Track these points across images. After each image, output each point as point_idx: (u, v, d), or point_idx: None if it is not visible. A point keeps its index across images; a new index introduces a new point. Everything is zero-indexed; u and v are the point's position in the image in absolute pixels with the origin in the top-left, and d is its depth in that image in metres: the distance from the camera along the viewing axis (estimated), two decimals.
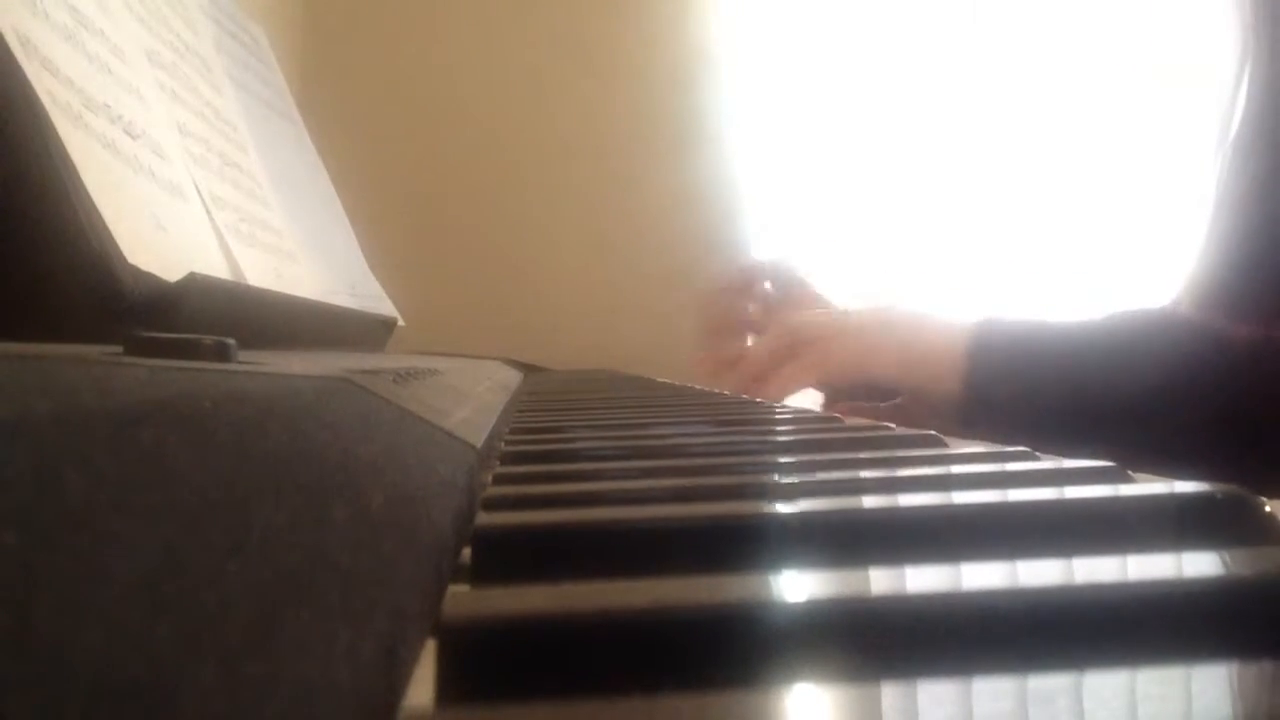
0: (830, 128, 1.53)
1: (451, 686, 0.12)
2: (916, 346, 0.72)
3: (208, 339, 0.24)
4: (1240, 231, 0.73)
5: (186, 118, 0.57)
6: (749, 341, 0.98)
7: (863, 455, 0.31)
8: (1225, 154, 0.77)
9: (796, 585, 0.14)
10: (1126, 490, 0.21)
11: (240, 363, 0.24)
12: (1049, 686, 0.11)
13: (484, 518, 0.19)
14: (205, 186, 0.55)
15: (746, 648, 0.12)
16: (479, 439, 0.30)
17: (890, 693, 0.11)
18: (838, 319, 0.78)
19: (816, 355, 0.74)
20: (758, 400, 0.63)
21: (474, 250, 1.51)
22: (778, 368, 0.75)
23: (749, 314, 0.94)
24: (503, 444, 0.35)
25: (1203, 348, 0.63)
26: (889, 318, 0.75)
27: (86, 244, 0.36)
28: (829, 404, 0.82)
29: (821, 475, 0.25)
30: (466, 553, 0.18)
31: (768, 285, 0.95)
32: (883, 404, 0.78)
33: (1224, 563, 0.14)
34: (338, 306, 0.74)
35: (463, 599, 0.14)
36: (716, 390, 0.75)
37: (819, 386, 0.81)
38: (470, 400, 0.41)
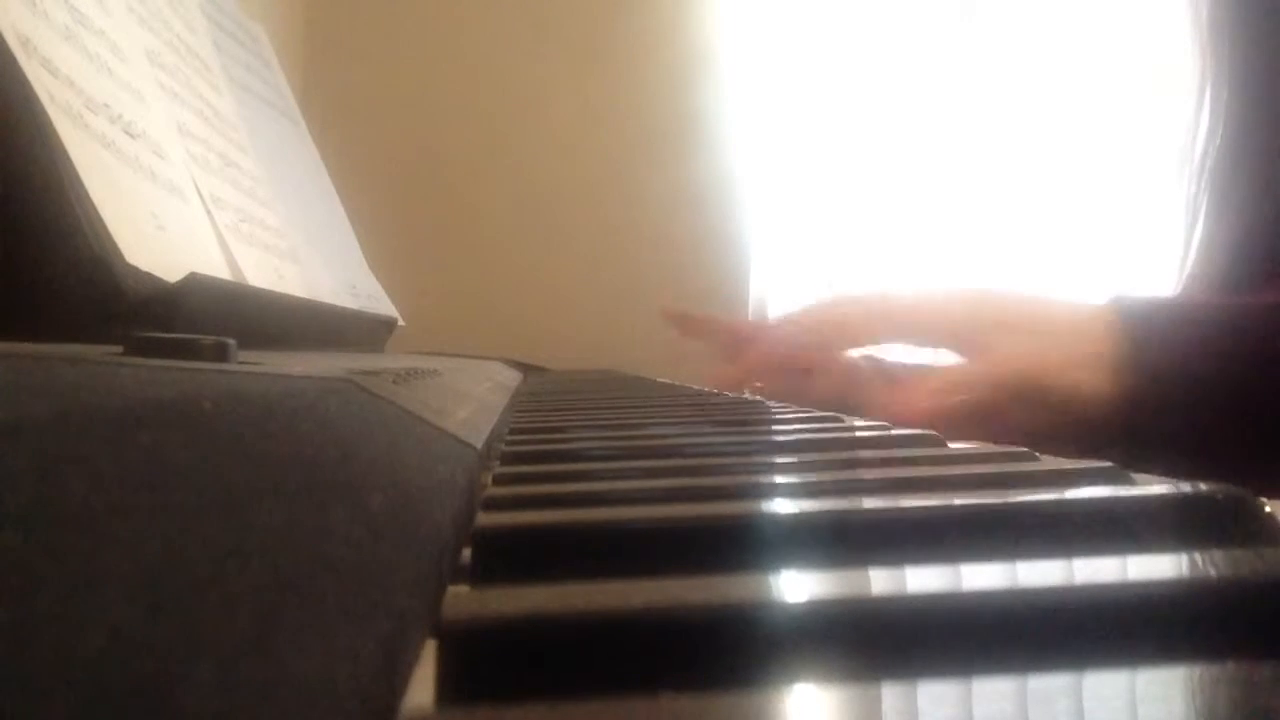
0: (830, 127, 1.53)
1: (451, 687, 0.12)
2: (1058, 337, 0.57)
3: (207, 339, 0.24)
4: (1227, 251, 0.68)
5: (186, 118, 0.57)
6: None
7: (863, 455, 0.31)
8: (1194, 173, 0.73)
9: (796, 585, 0.14)
10: (1126, 490, 0.21)
11: (240, 363, 0.24)
12: (1049, 686, 0.11)
13: (484, 518, 0.19)
14: (205, 186, 0.55)
15: (746, 648, 0.12)
16: (479, 439, 0.30)
17: (890, 693, 0.11)
18: (940, 306, 0.61)
19: (996, 358, 0.57)
20: (758, 400, 0.63)
21: (474, 250, 1.51)
22: (928, 383, 0.58)
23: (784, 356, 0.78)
24: (503, 444, 0.35)
25: None
26: (1005, 304, 0.60)
27: (86, 244, 0.36)
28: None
29: (821, 475, 0.25)
30: (466, 553, 0.18)
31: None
32: (956, 399, 0.59)
33: (1224, 563, 0.14)
34: (338, 306, 0.74)
35: (463, 599, 0.14)
36: (717, 390, 0.75)
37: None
38: (470, 400, 0.41)
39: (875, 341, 0.65)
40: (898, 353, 0.69)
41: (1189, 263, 0.74)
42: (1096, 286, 1.38)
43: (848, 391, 0.64)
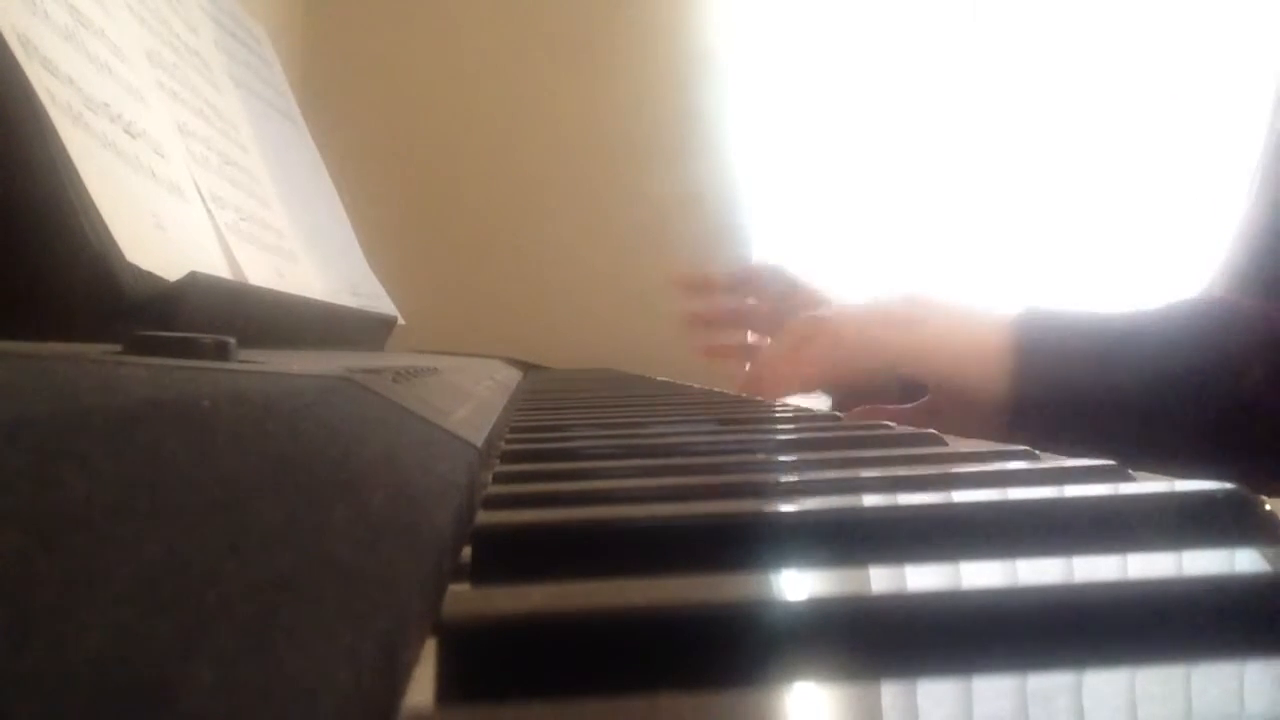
0: (831, 128, 1.53)
1: (452, 686, 0.12)
2: (955, 339, 0.64)
3: (207, 338, 0.24)
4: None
5: (186, 117, 0.57)
6: (749, 338, 0.96)
7: (862, 454, 0.31)
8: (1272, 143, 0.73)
9: (796, 584, 0.14)
10: (1126, 489, 0.21)
11: (240, 362, 0.24)
12: (1049, 686, 0.11)
13: (484, 516, 0.19)
14: (205, 186, 0.55)
15: (746, 647, 0.12)
16: (479, 438, 0.30)
17: (890, 693, 0.11)
18: (861, 308, 0.69)
19: (839, 345, 0.66)
20: (758, 399, 0.63)
21: (474, 249, 1.51)
22: (785, 354, 0.68)
23: (748, 306, 0.89)
24: (503, 442, 0.35)
25: (1271, 331, 0.57)
26: (919, 307, 0.67)
27: (86, 243, 0.36)
28: (843, 406, 0.73)
29: (821, 474, 0.25)
30: (466, 551, 0.18)
31: (766, 286, 0.90)
32: (906, 405, 0.69)
33: (1224, 562, 0.14)
34: (338, 305, 0.74)
35: (463, 598, 0.14)
36: (716, 388, 0.75)
37: (837, 383, 0.72)
38: (470, 399, 0.41)
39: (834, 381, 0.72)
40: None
41: (1245, 230, 0.74)
42: (1097, 290, 1.38)
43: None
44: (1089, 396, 0.58)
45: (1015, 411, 0.61)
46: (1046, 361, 0.60)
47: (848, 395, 0.75)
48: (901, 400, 0.70)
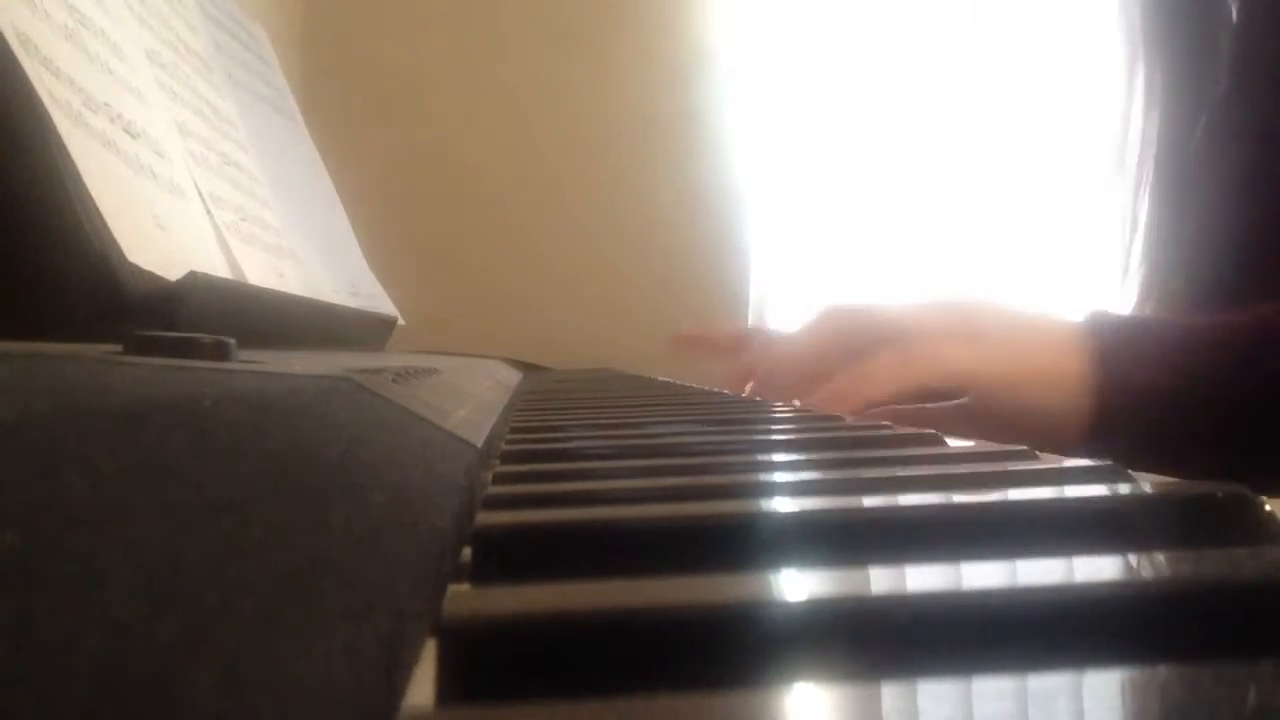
0: (831, 127, 1.53)
1: (452, 686, 0.12)
2: (1027, 353, 0.58)
3: (207, 338, 0.24)
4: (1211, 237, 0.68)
5: (186, 117, 0.57)
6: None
7: (863, 454, 0.31)
8: (1133, 174, 0.74)
9: (796, 585, 0.14)
10: (1126, 490, 0.21)
11: (240, 362, 0.24)
12: (1049, 686, 0.11)
13: (484, 517, 0.19)
14: (205, 186, 0.55)
15: (747, 647, 0.12)
16: (479, 438, 0.30)
17: (890, 693, 0.11)
18: (916, 318, 0.62)
19: (909, 362, 0.59)
20: (758, 400, 0.63)
21: (474, 250, 1.51)
22: (852, 374, 0.60)
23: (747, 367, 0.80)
24: (503, 443, 0.35)
25: None
26: (977, 315, 0.61)
27: (86, 243, 0.36)
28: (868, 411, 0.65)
29: (821, 474, 0.25)
30: (467, 552, 0.18)
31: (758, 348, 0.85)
32: (934, 405, 0.62)
33: (1224, 562, 0.14)
34: (338, 306, 0.74)
35: (463, 598, 0.14)
36: (717, 389, 0.75)
37: (901, 402, 0.62)
38: (470, 399, 0.41)
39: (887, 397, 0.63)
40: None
41: (1137, 273, 0.74)
42: (1099, 292, 1.38)
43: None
44: (1180, 412, 0.54)
45: (1096, 429, 0.56)
46: (1134, 376, 0.56)
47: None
48: (918, 402, 0.64)
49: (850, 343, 0.62)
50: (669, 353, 0.88)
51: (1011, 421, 0.57)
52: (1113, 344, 0.57)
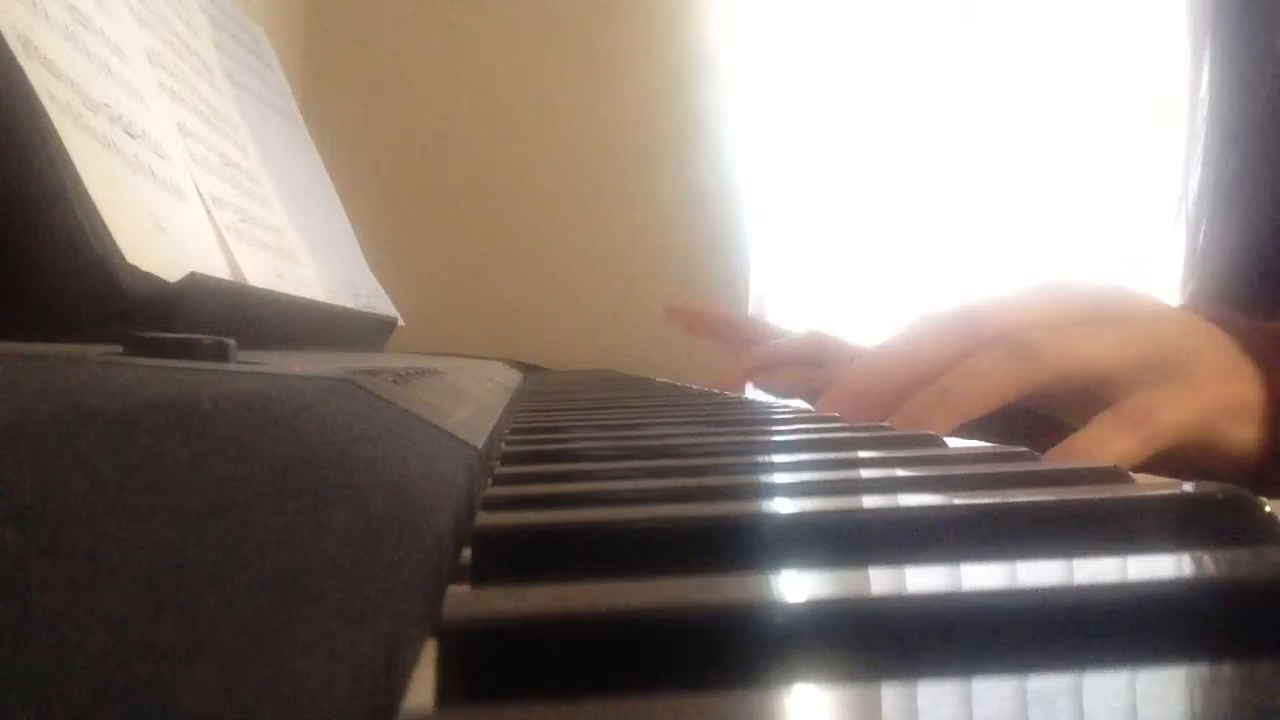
0: (831, 127, 1.53)
1: (451, 686, 0.12)
2: (1217, 385, 0.48)
3: (207, 339, 0.24)
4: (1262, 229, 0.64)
5: (186, 117, 0.57)
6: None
7: (863, 455, 0.31)
8: (1210, 153, 0.70)
9: (796, 585, 0.14)
10: (1126, 490, 0.21)
11: (240, 363, 0.24)
12: (1049, 686, 0.11)
13: (484, 518, 0.19)
14: (205, 186, 0.55)
15: (746, 648, 0.12)
16: (479, 439, 0.30)
17: (890, 693, 0.11)
18: (1022, 302, 0.51)
19: (1028, 356, 0.47)
20: (757, 401, 0.63)
21: (474, 250, 1.51)
22: (960, 372, 0.49)
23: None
24: (503, 444, 0.35)
25: None
26: (1095, 297, 0.51)
27: (86, 244, 0.36)
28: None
29: (821, 475, 0.25)
30: (466, 552, 0.18)
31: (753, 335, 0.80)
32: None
33: (1224, 563, 0.14)
34: (338, 306, 0.74)
35: (463, 599, 0.14)
36: (718, 390, 0.75)
37: (1012, 407, 0.49)
38: (471, 400, 0.41)
39: (1007, 400, 0.50)
40: None
41: (1192, 275, 0.72)
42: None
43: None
44: None
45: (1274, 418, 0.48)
46: None
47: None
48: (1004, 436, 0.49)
49: (964, 347, 0.50)
50: (663, 321, 0.86)
51: (1195, 469, 0.49)
52: (1258, 337, 0.50)
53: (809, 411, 0.51)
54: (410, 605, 0.14)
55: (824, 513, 0.19)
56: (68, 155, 0.37)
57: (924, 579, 0.14)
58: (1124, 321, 0.50)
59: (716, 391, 0.73)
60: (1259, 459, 0.48)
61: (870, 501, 0.20)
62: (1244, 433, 0.48)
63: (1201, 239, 0.70)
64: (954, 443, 0.32)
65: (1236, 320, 0.53)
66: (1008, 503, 0.20)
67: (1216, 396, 0.48)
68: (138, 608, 0.09)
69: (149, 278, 0.39)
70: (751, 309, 1.51)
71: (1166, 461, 0.48)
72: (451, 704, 0.12)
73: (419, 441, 0.24)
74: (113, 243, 0.37)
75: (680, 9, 1.52)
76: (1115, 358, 0.48)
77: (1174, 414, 0.47)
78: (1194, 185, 0.72)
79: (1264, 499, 0.19)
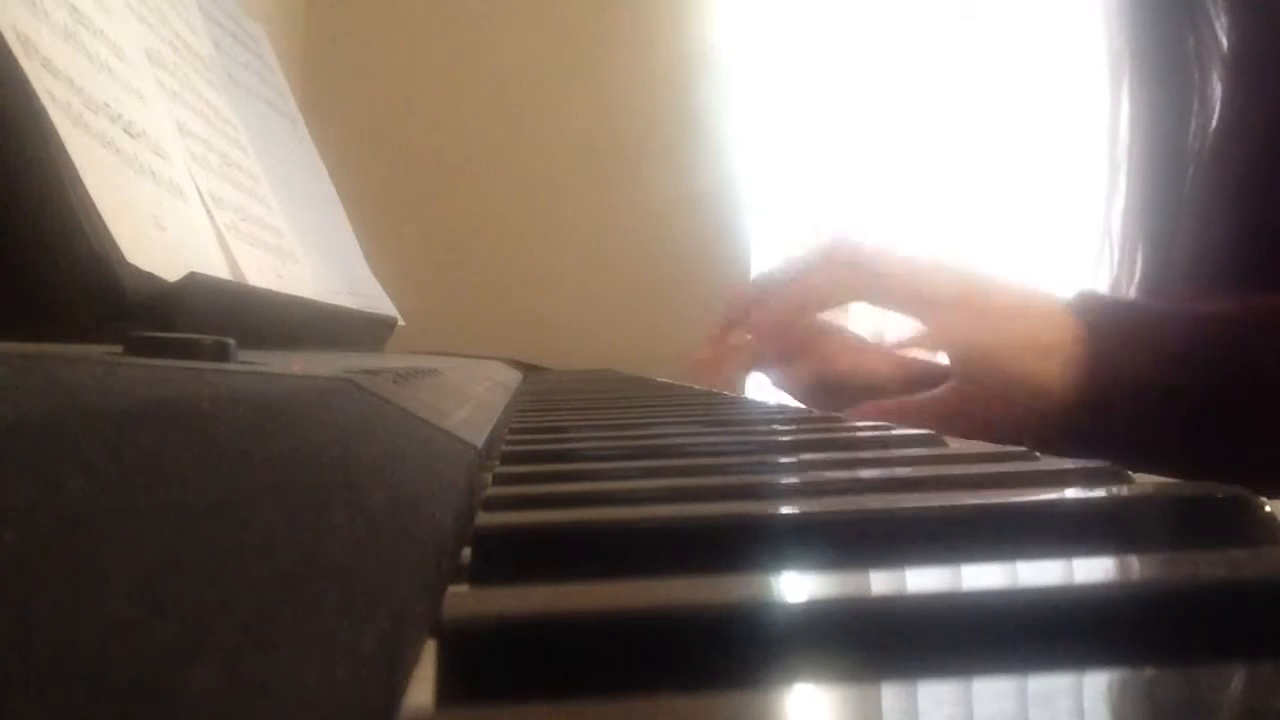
0: (831, 128, 1.53)
1: (451, 686, 0.12)
2: (1015, 322, 0.56)
3: (207, 339, 0.24)
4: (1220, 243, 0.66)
5: (186, 117, 0.57)
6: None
7: (863, 455, 0.31)
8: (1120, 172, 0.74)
9: (796, 585, 0.14)
10: (1126, 490, 0.21)
11: (240, 363, 0.24)
12: (1049, 686, 0.11)
13: (484, 517, 0.19)
14: (205, 186, 0.55)
15: (747, 648, 0.12)
16: (479, 439, 0.30)
17: (890, 693, 0.11)
18: (925, 278, 0.59)
19: (947, 334, 0.58)
20: (757, 401, 0.63)
21: (474, 250, 1.51)
22: (804, 278, 0.59)
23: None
24: (503, 444, 0.35)
25: None
26: (976, 288, 0.58)
27: (86, 243, 0.36)
28: (837, 404, 0.65)
29: (822, 475, 0.25)
30: (466, 552, 0.18)
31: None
32: (917, 398, 0.62)
33: (1224, 563, 0.14)
34: (338, 306, 0.74)
35: (463, 599, 0.14)
36: (718, 390, 0.75)
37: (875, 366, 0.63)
38: (470, 400, 0.41)
39: (845, 303, 0.65)
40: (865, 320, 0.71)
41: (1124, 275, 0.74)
42: (1095, 282, 1.38)
43: (826, 372, 0.67)
44: (1161, 401, 0.52)
45: (1074, 414, 0.54)
46: (1118, 359, 0.54)
47: (838, 392, 0.68)
48: (898, 394, 0.64)
49: (832, 297, 0.61)
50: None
51: (1000, 402, 0.57)
52: (1101, 326, 0.56)
53: (809, 411, 0.51)
54: (410, 605, 0.14)
55: (824, 513, 0.19)
56: (68, 155, 0.37)
57: (924, 579, 0.14)
58: (970, 277, 0.59)
59: (716, 392, 0.73)
60: (1067, 404, 0.54)
61: (870, 502, 0.20)
62: (1048, 367, 0.55)
63: (1117, 267, 0.75)
64: (954, 443, 0.32)
65: (1144, 299, 0.60)
66: (1007, 502, 0.20)
67: (1025, 333, 0.56)
68: (138, 608, 0.09)
69: (149, 277, 0.39)
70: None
71: (983, 396, 0.56)
72: (451, 704, 0.12)
73: (419, 441, 0.24)
74: (112, 242, 0.37)
75: (680, 9, 1.52)
76: (936, 285, 0.57)
77: (969, 334, 0.56)
78: (1116, 214, 0.75)
79: (1264, 499, 0.19)
